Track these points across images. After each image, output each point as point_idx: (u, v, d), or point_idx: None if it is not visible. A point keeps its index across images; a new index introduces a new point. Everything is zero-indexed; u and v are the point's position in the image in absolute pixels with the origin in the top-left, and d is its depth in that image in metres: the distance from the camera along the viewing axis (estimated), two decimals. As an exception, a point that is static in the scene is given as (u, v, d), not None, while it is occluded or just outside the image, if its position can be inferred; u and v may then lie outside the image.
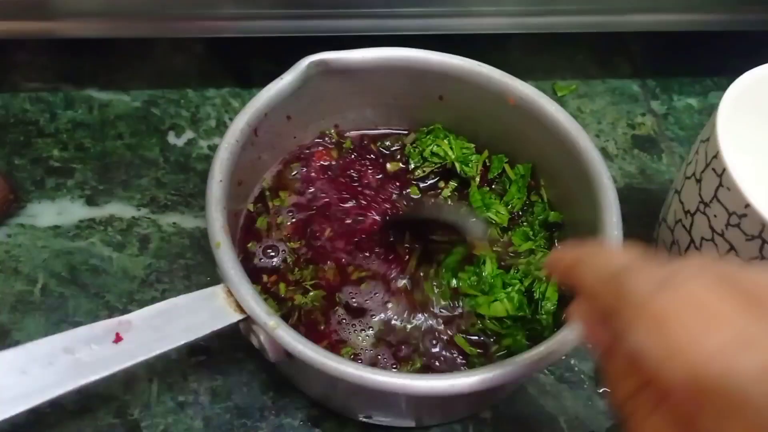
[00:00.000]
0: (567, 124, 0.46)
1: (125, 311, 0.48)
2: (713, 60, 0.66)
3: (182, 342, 0.36)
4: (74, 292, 0.49)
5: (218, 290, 0.39)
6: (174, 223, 0.52)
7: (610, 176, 0.44)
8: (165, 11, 0.53)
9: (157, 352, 0.36)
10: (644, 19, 0.60)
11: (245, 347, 0.45)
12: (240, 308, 0.38)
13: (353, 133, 0.52)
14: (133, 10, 0.53)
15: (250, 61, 0.62)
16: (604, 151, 0.60)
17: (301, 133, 0.51)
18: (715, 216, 0.40)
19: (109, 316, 0.46)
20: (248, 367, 0.47)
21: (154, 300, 0.48)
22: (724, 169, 0.39)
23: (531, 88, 0.47)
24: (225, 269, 0.38)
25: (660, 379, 0.24)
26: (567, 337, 0.38)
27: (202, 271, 0.50)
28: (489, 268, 0.45)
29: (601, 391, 0.48)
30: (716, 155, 0.39)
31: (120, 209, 0.53)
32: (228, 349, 0.47)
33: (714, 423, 0.22)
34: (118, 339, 0.35)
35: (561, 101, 0.63)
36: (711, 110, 0.64)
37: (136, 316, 0.36)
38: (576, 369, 0.49)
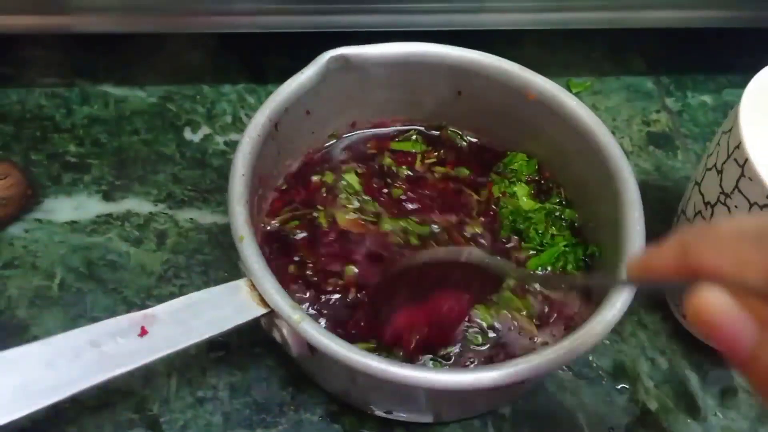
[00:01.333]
0: (587, 119, 0.46)
1: (143, 307, 0.47)
2: (727, 57, 0.66)
3: (207, 336, 0.36)
4: (92, 288, 0.49)
5: (241, 284, 0.39)
6: (191, 219, 0.52)
7: (631, 171, 0.44)
8: (180, 6, 0.53)
9: (183, 345, 0.36)
10: (658, 15, 0.60)
11: (264, 342, 0.46)
12: (263, 302, 0.38)
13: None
14: (148, 5, 0.53)
15: (265, 57, 0.61)
16: (619, 148, 0.59)
17: (319, 129, 0.51)
18: (736, 207, 0.40)
19: (128, 312, 0.46)
20: (267, 363, 0.47)
21: (172, 295, 0.48)
22: (746, 159, 0.39)
23: (551, 83, 0.47)
24: (249, 263, 0.38)
25: None
26: (591, 331, 0.37)
27: (219, 267, 0.50)
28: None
29: (619, 387, 0.48)
30: (738, 145, 0.39)
31: (137, 204, 0.52)
32: (247, 345, 0.47)
33: None
34: (143, 332, 0.35)
35: (577, 97, 0.62)
36: (725, 107, 0.64)
37: (161, 309, 0.36)
38: (594, 365, 0.49)
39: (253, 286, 0.38)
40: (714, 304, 0.22)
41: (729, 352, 0.23)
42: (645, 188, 0.58)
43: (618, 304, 0.38)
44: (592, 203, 0.47)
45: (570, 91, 0.62)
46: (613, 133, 0.61)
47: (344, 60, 0.47)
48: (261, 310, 0.38)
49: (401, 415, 0.45)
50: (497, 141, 0.52)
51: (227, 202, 0.40)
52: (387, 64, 0.48)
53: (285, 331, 0.39)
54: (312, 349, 0.38)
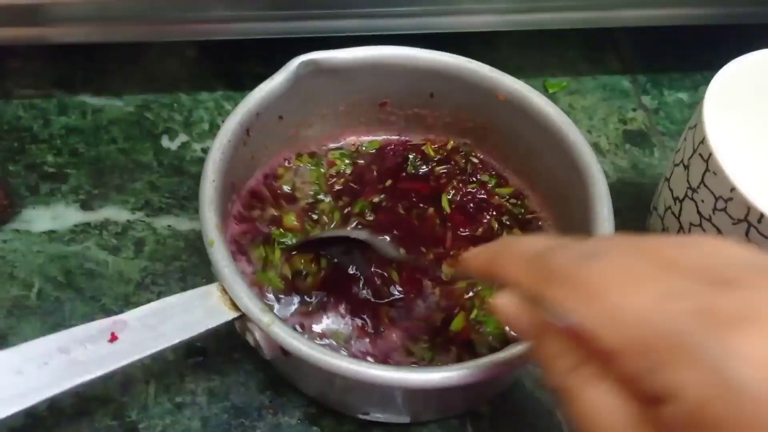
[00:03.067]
0: (556, 117, 0.46)
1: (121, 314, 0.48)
2: (703, 54, 0.66)
3: (177, 341, 0.36)
4: (70, 296, 0.49)
5: (213, 289, 0.39)
6: (169, 226, 0.52)
7: (600, 168, 0.44)
8: (155, 15, 0.53)
9: (153, 350, 0.36)
10: (633, 14, 0.60)
11: (241, 347, 0.46)
12: (235, 306, 0.38)
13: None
14: (123, 14, 0.53)
15: (242, 65, 0.62)
16: (596, 147, 0.60)
17: (292, 132, 0.51)
18: (702, 201, 0.41)
19: (106, 319, 0.46)
20: (245, 367, 0.47)
21: (150, 302, 0.49)
22: (710, 154, 0.39)
23: (520, 83, 0.47)
24: (219, 267, 0.39)
25: (602, 344, 0.24)
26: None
27: (197, 273, 0.50)
28: None
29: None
30: (703, 140, 0.40)
31: (115, 213, 0.53)
32: (225, 350, 0.47)
33: (663, 373, 0.22)
34: (113, 338, 0.35)
35: (553, 98, 0.63)
36: (701, 104, 0.65)
37: (131, 315, 0.37)
38: (572, 362, 0.49)
39: (225, 291, 0.39)
40: (503, 303, 0.29)
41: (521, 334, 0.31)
42: (622, 186, 0.59)
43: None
44: (564, 203, 0.47)
45: (546, 91, 0.64)
46: (589, 132, 0.62)
47: (315, 64, 0.47)
48: (232, 314, 0.38)
49: (379, 416, 0.45)
50: (471, 141, 0.52)
51: (199, 205, 0.41)
52: (358, 68, 0.49)
53: (257, 335, 0.39)
54: (284, 351, 0.38)
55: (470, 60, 0.48)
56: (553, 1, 0.58)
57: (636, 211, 0.55)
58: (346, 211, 0.49)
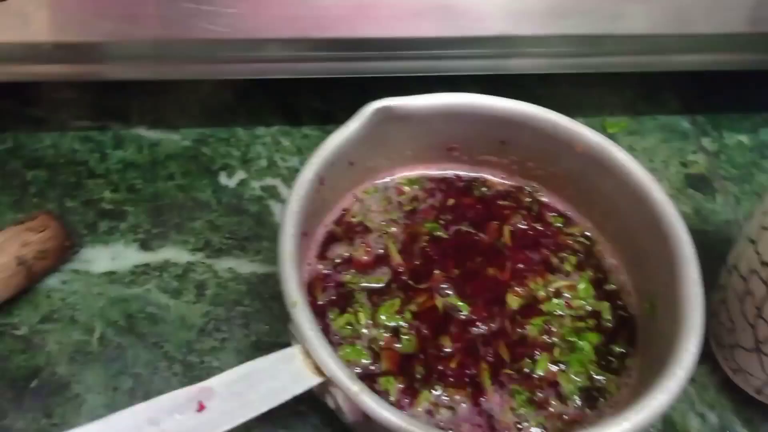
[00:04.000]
0: (639, 173, 0.45)
1: (184, 362, 0.47)
2: (762, 95, 0.66)
3: (265, 409, 0.35)
4: (132, 342, 0.48)
5: (295, 351, 0.38)
6: (230, 269, 0.51)
7: (686, 229, 0.43)
8: (213, 54, 0.52)
9: (242, 420, 0.35)
10: (693, 59, 0.59)
11: (309, 400, 0.45)
12: (318, 370, 0.37)
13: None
14: (180, 53, 0.52)
15: (299, 99, 0.61)
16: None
17: (360, 176, 0.50)
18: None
19: (169, 367, 0.46)
20: (312, 421, 0.46)
21: (213, 350, 0.48)
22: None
23: (600, 135, 0.46)
24: (303, 330, 0.38)
25: None
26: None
27: (260, 319, 0.49)
28: None
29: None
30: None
31: (175, 254, 0.52)
32: (290, 402, 0.46)
33: None
34: (201, 408, 0.34)
35: (612, 138, 0.62)
36: (762, 147, 0.64)
37: (217, 382, 0.35)
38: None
39: (308, 354, 0.38)
40: None
41: None
42: (685, 233, 0.58)
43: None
44: (641, 257, 0.46)
45: (605, 131, 0.63)
46: (651, 176, 0.61)
47: (388, 111, 0.46)
48: (317, 379, 0.37)
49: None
50: (539, 187, 0.51)
51: (278, 264, 0.40)
52: (430, 114, 0.48)
53: (340, 399, 0.38)
54: (368, 417, 0.37)
55: (548, 110, 0.47)
56: (612, 45, 0.57)
57: (702, 260, 0.54)
58: (414, 231, 0.49)
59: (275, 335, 0.49)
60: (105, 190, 0.54)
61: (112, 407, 0.44)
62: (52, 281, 0.49)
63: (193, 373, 0.47)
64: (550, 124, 0.47)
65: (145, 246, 0.52)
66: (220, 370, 0.45)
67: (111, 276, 0.50)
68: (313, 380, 0.37)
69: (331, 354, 0.37)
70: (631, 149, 0.62)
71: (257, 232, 0.53)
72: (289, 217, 0.41)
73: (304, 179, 0.43)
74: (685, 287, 0.41)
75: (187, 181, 0.55)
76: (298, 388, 0.36)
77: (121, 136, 0.57)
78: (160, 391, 0.44)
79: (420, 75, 0.54)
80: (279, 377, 0.37)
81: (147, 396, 0.44)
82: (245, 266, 0.52)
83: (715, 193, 0.60)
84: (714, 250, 0.53)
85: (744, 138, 0.64)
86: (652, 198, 0.44)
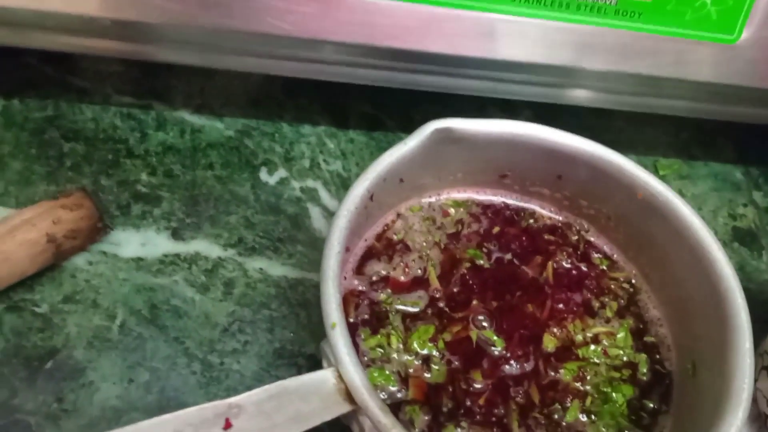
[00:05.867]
0: (700, 230, 0.43)
1: (204, 361, 0.46)
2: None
3: (293, 433, 0.34)
4: (153, 334, 0.46)
5: (328, 374, 0.36)
6: (261, 269, 0.50)
7: (743, 295, 0.41)
8: (274, 51, 0.50)
9: (267, 443, 0.33)
10: (753, 112, 0.57)
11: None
12: (350, 397, 0.36)
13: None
14: (239, 45, 0.50)
15: (349, 101, 0.59)
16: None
17: (407, 193, 0.48)
18: None
19: (188, 365, 0.44)
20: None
21: (235, 352, 0.46)
22: None
23: (664, 185, 0.45)
24: (340, 354, 0.36)
25: None
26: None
27: (286, 326, 0.48)
28: None
29: None
30: None
31: (206, 247, 0.50)
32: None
33: None
34: (227, 425, 0.33)
35: (663, 180, 0.60)
36: (813, 207, 0.62)
37: (246, 399, 0.34)
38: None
39: (340, 378, 0.36)
40: None
41: None
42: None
43: None
44: (687, 316, 0.45)
45: (657, 172, 0.61)
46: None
47: (447, 132, 0.45)
48: (348, 407, 0.36)
49: None
50: (587, 225, 0.50)
51: (320, 281, 0.38)
52: (489, 140, 0.46)
53: (366, 428, 0.36)
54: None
55: (612, 151, 0.45)
56: (672, 89, 0.55)
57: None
58: (455, 256, 0.48)
59: (300, 344, 0.47)
60: (142, 172, 0.53)
61: (125, 399, 0.43)
62: (79, 260, 0.48)
63: (212, 374, 0.45)
64: (613, 166, 0.46)
65: (176, 235, 0.50)
66: (240, 374, 0.44)
67: (139, 262, 0.49)
68: (343, 408, 0.36)
69: (365, 383, 0.35)
70: (680, 194, 0.60)
71: (292, 235, 0.52)
72: (337, 233, 0.40)
73: (356, 195, 0.41)
74: (735, 356, 0.39)
75: (226, 173, 0.54)
76: (328, 415, 0.35)
77: (163, 117, 0.56)
78: (176, 389, 0.43)
79: (474, 95, 0.53)
80: (309, 400, 0.35)
81: (162, 392, 0.43)
82: (277, 268, 0.50)
83: (762, 250, 0.59)
84: (756, 310, 0.51)
85: (796, 196, 0.62)
86: (710, 256, 0.42)
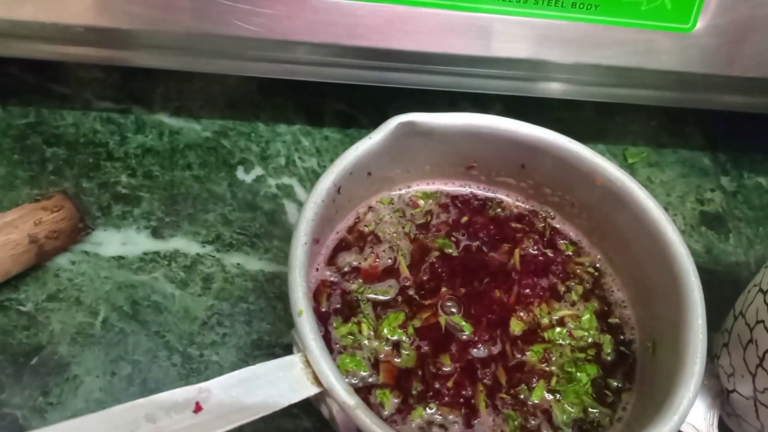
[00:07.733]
0: (655, 212, 0.45)
1: (184, 353, 0.48)
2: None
3: (261, 414, 0.35)
4: (135, 329, 0.48)
5: (296, 360, 0.38)
6: (238, 264, 0.51)
7: (697, 274, 0.43)
8: (244, 53, 0.52)
9: (236, 424, 0.35)
10: (722, 99, 0.59)
11: (301, 404, 0.45)
12: (317, 381, 0.37)
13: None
14: (211, 48, 0.51)
15: (323, 100, 0.61)
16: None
17: (377, 186, 0.50)
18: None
19: (168, 358, 0.46)
20: (304, 425, 0.46)
21: (213, 344, 0.48)
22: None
23: (621, 171, 0.46)
24: (306, 340, 0.38)
25: None
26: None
27: (263, 318, 0.50)
28: None
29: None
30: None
31: (185, 245, 0.52)
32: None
33: None
34: (198, 409, 0.34)
35: (631, 169, 0.62)
36: (781, 192, 0.63)
37: (216, 384, 0.36)
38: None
39: (308, 363, 0.38)
40: None
41: None
42: (694, 271, 0.58)
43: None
44: (647, 295, 0.46)
45: (626, 160, 0.62)
46: (666, 209, 0.61)
47: (412, 126, 0.46)
48: (314, 389, 0.37)
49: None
50: (552, 212, 0.51)
51: (288, 271, 0.40)
52: (454, 133, 0.47)
53: (334, 411, 0.38)
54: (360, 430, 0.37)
55: (572, 140, 0.47)
56: (637, 78, 0.56)
57: (708, 300, 0.54)
58: (424, 245, 0.49)
59: (277, 335, 0.49)
60: (122, 174, 0.54)
61: (108, 392, 0.45)
62: (62, 260, 0.50)
63: (192, 366, 0.47)
64: (573, 155, 0.47)
65: (156, 234, 0.52)
66: (219, 365, 0.46)
67: (120, 261, 0.50)
68: (311, 390, 0.37)
69: (331, 366, 0.37)
70: (649, 181, 0.62)
71: (269, 230, 0.53)
72: (303, 224, 0.41)
73: (322, 187, 0.43)
74: (689, 333, 0.41)
75: (204, 173, 0.55)
76: (296, 397, 0.37)
77: (142, 120, 0.57)
78: (158, 381, 0.45)
79: (444, 90, 0.54)
80: (277, 384, 0.37)
81: (144, 383, 0.44)
82: (254, 263, 0.52)
83: (729, 233, 0.60)
84: (722, 291, 0.53)
85: (763, 180, 0.64)
86: (665, 237, 0.44)
